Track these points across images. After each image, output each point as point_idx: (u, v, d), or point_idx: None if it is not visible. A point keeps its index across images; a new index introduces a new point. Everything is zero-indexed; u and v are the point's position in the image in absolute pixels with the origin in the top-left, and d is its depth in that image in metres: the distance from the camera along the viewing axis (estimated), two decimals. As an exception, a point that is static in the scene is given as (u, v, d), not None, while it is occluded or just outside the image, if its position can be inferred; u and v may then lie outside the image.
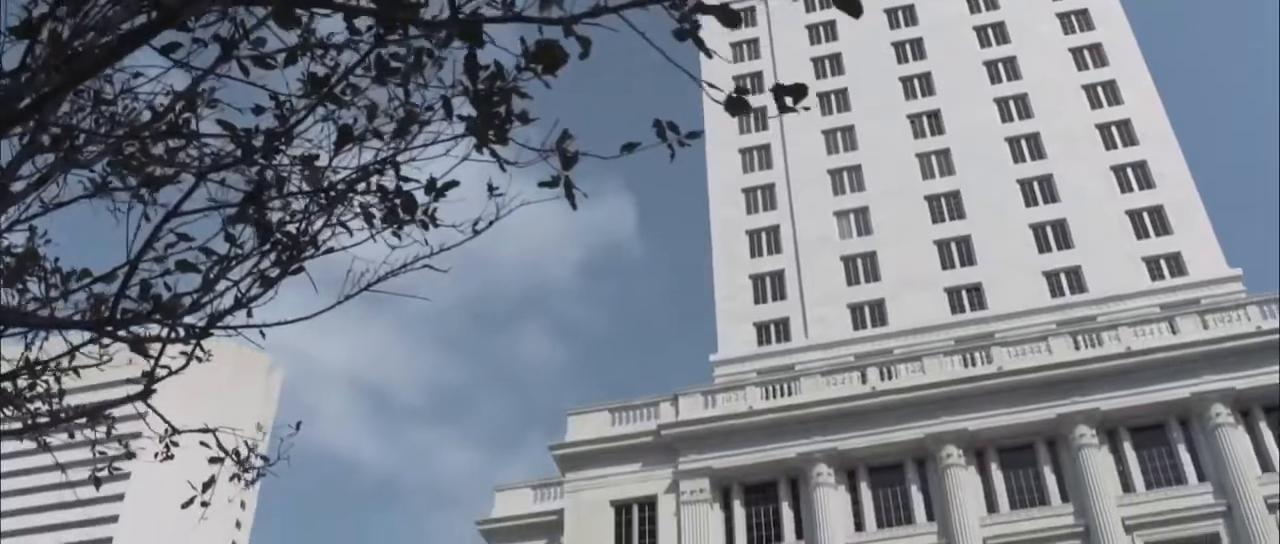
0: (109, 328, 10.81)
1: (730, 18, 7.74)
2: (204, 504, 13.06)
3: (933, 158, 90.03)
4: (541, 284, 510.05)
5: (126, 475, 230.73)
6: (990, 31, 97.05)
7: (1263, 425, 58.09)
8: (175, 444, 14.63)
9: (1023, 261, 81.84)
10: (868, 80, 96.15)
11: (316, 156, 11.14)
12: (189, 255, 11.40)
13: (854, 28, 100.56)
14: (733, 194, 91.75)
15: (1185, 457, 58.11)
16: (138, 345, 11.17)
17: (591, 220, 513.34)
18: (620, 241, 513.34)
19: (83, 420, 13.84)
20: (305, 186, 11.11)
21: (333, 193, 11.20)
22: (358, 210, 11.39)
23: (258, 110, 10.75)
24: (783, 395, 63.83)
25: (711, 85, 7.98)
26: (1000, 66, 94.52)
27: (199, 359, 12.96)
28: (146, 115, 11.50)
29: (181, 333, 11.23)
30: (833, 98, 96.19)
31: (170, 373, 12.16)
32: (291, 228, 11.32)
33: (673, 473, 62.75)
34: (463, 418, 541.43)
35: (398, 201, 11.02)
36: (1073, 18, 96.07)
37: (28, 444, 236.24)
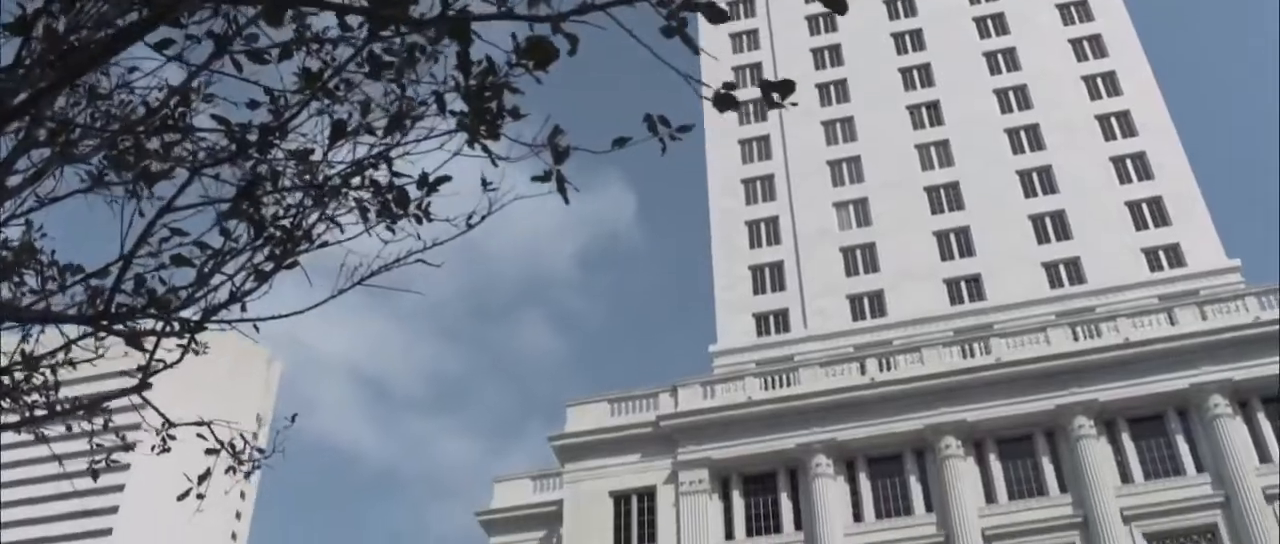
0: (104, 322, 10.85)
1: (716, 14, 7.78)
2: (199, 496, 13.11)
3: (932, 149, 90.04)
4: (540, 274, 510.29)
5: (126, 467, 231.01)
6: (990, 23, 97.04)
7: (1261, 416, 58.15)
8: (172, 437, 14.68)
9: (1022, 253, 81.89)
10: (867, 71, 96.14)
11: (311, 151, 11.18)
12: (184, 250, 11.44)
13: (854, 19, 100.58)
14: (732, 185, 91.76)
15: (1183, 447, 58.17)
16: (133, 339, 11.22)
17: (591, 211, 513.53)
18: (619, 232, 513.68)
19: (80, 413, 13.88)
20: (300, 181, 11.15)
21: (327, 187, 11.25)
22: (352, 205, 11.44)
23: (252, 105, 10.79)
24: (782, 386, 63.88)
25: (700, 82, 8.02)
26: (1000, 57, 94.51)
27: (196, 351, 12.99)
28: (142, 110, 11.53)
29: (176, 327, 11.27)
30: (832, 89, 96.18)
31: (165, 366, 12.20)
32: (285, 222, 11.36)
33: (672, 463, 62.82)
34: (462, 408, 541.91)
35: (391, 197, 11.07)
36: (1072, 9, 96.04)
37: (26, 436, 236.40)
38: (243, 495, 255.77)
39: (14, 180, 11.69)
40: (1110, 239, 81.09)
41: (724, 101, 8.06)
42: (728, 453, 62.11)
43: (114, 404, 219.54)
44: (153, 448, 14.94)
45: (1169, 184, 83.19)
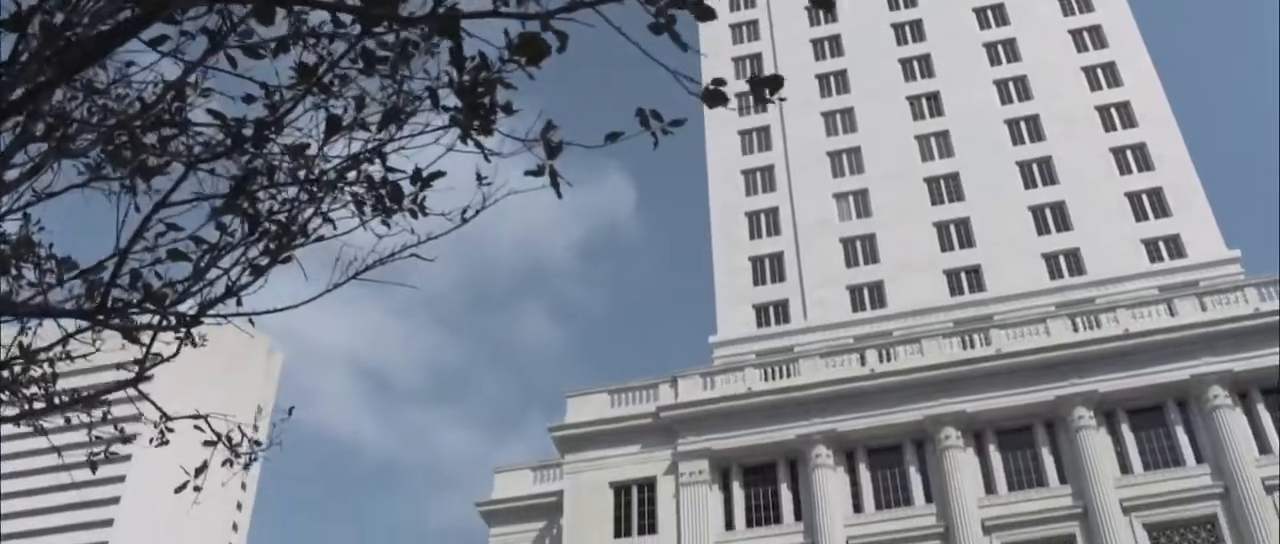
0: (101, 317, 10.90)
1: (704, 12, 7.82)
2: (196, 489, 13.16)
3: (932, 140, 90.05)
4: (540, 265, 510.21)
5: (127, 458, 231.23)
6: (990, 13, 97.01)
7: (1260, 407, 58.19)
8: (170, 429, 14.74)
9: (1022, 243, 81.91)
10: (867, 62, 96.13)
11: (307, 145, 11.22)
12: (180, 245, 11.48)
13: (854, 10, 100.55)
14: (732, 176, 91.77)
15: (1183, 438, 58.22)
16: (129, 334, 11.27)
17: (590, 201, 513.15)
18: (619, 223, 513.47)
19: (79, 406, 13.94)
20: (295, 175, 11.20)
21: (322, 182, 11.29)
22: (348, 199, 11.49)
23: (248, 100, 10.83)
24: (782, 377, 63.94)
25: (690, 78, 8.06)
26: (1000, 48, 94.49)
27: (193, 343, 13.04)
28: (138, 105, 11.57)
29: (173, 321, 11.32)
30: (832, 79, 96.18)
31: (162, 360, 12.26)
32: (281, 216, 11.41)
33: (672, 454, 62.90)
34: (462, 399, 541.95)
35: (384, 192, 11.12)
36: (1072, 0, 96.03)
37: (26, 428, 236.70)
38: (243, 486, 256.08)
39: (11, 175, 11.74)
40: (1110, 230, 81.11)
41: (714, 98, 8.10)
42: (728, 444, 62.18)
43: (113, 396, 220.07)
44: (150, 440, 14.98)
45: (1169, 175, 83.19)
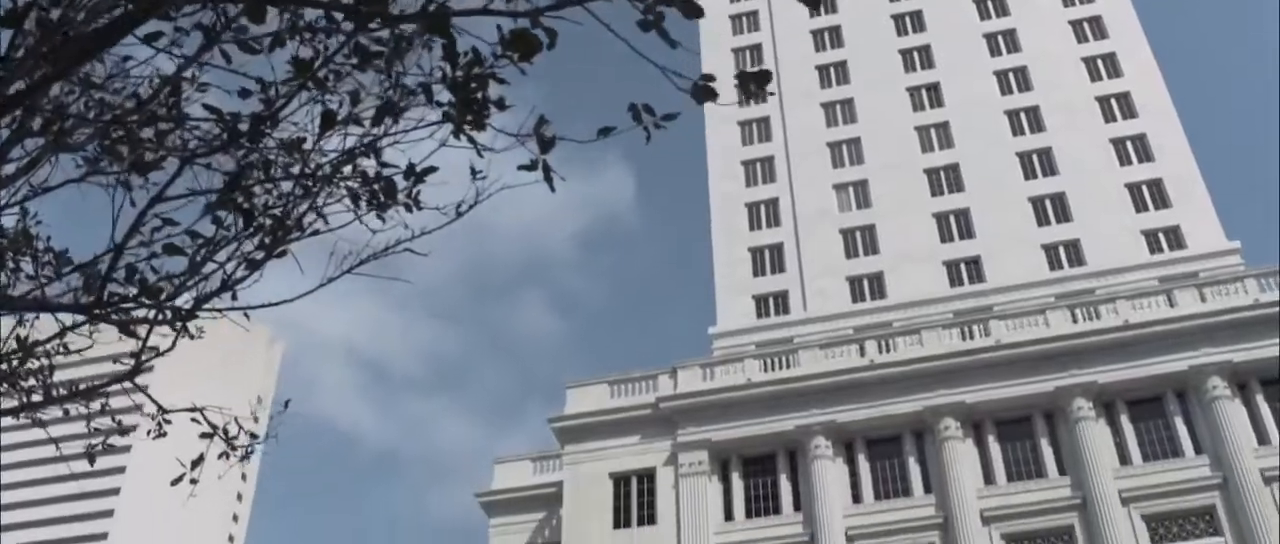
0: (97, 311, 10.95)
1: (691, 9, 7.85)
2: (192, 481, 13.22)
3: (932, 131, 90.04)
4: (540, 255, 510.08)
5: (127, 449, 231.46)
6: (990, 4, 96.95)
7: (1259, 398, 58.24)
8: (168, 421, 14.79)
9: (1021, 234, 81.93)
10: (867, 53, 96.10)
11: (303, 140, 11.26)
12: (175, 239, 11.53)
13: (855, 1, 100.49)
14: (732, 167, 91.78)
15: (1182, 429, 58.27)
16: (126, 328, 11.33)
17: (590, 192, 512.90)
18: (619, 213, 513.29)
19: (77, 399, 13.99)
20: (291, 170, 11.24)
21: (319, 174, 11.34)
22: (344, 193, 11.53)
23: (243, 94, 10.87)
24: (781, 368, 63.99)
25: (678, 73, 8.10)
26: (1000, 39, 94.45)
27: (191, 336, 13.09)
28: (135, 99, 11.61)
29: (168, 315, 11.37)
30: (832, 70, 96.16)
31: (159, 353, 12.31)
32: (276, 211, 11.46)
33: (671, 445, 62.97)
34: (462, 390, 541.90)
35: (378, 187, 11.16)
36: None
37: (24, 420, 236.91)
38: (243, 477, 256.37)
39: (8, 169, 11.78)
40: (1110, 221, 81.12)
41: (703, 93, 8.13)
42: (727, 435, 62.26)
43: (111, 388, 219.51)
44: (148, 432, 15.05)
45: (1169, 166, 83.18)
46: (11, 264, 12.78)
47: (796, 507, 60.55)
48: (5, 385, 13.65)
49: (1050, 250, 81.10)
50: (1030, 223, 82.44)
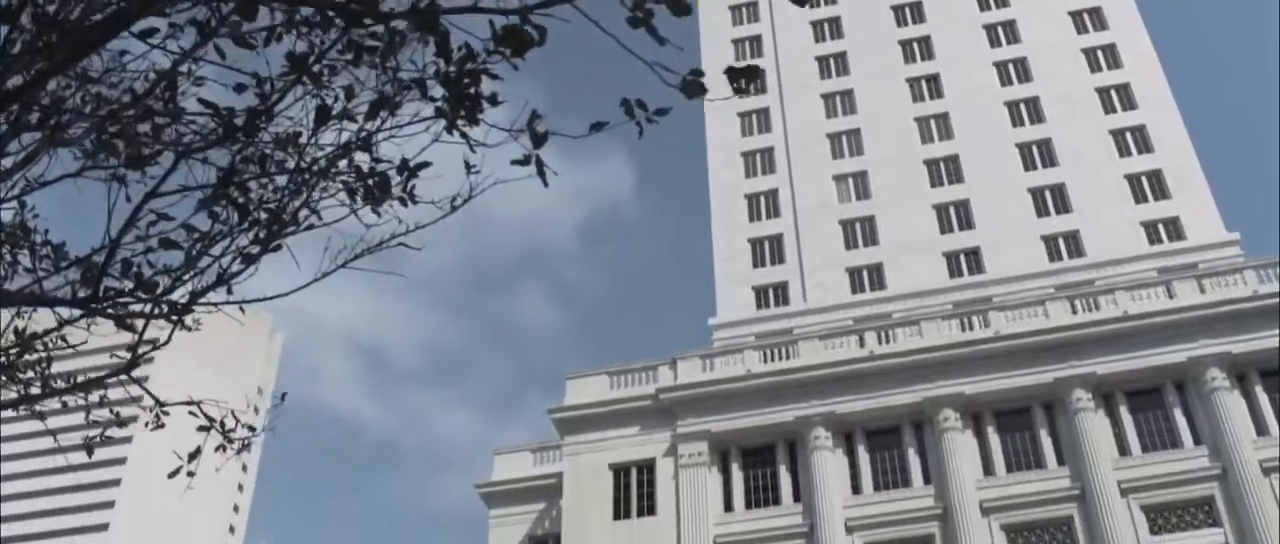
0: (94, 305, 11.01)
1: (679, 7, 7.89)
2: (190, 474, 13.28)
3: (932, 122, 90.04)
4: (540, 246, 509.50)
5: (127, 440, 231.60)
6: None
7: (1258, 389, 58.29)
8: (166, 413, 14.85)
9: (1021, 225, 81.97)
10: (867, 44, 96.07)
11: (298, 134, 11.31)
12: (171, 234, 11.58)
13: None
14: (732, 157, 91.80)
15: (1181, 420, 58.32)
16: (122, 322, 11.38)
17: (590, 183, 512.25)
18: (619, 204, 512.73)
19: (76, 391, 14.04)
20: (286, 164, 11.29)
21: (314, 168, 11.38)
22: (340, 187, 11.58)
23: (239, 89, 10.91)
24: (781, 359, 64.05)
25: (667, 69, 8.14)
26: (1000, 30, 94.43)
27: (187, 328, 13.13)
28: (131, 94, 11.66)
29: (164, 309, 11.42)
30: (832, 61, 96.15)
31: (155, 347, 12.36)
32: (271, 205, 11.50)
33: (671, 436, 63.04)
34: (461, 380, 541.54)
35: (372, 182, 11.21)
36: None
37: (23, 412, 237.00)
38: (244, 467, 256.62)
39: (5, 163, 11.82)
40: (1109, 212, 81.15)
41: (692, 88, 8.17)
42: (727, 426, 62.33)
43: (109, 381, 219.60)
44: (146, 424, 15.10)
45: (1169, 157, 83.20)
46: (9, 257, 12.83)
47: (796, 497, 60.63)
48: (4, 377, 13.71)
49: (1050, 241, 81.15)
50: (1030, 214, 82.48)
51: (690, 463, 61.57)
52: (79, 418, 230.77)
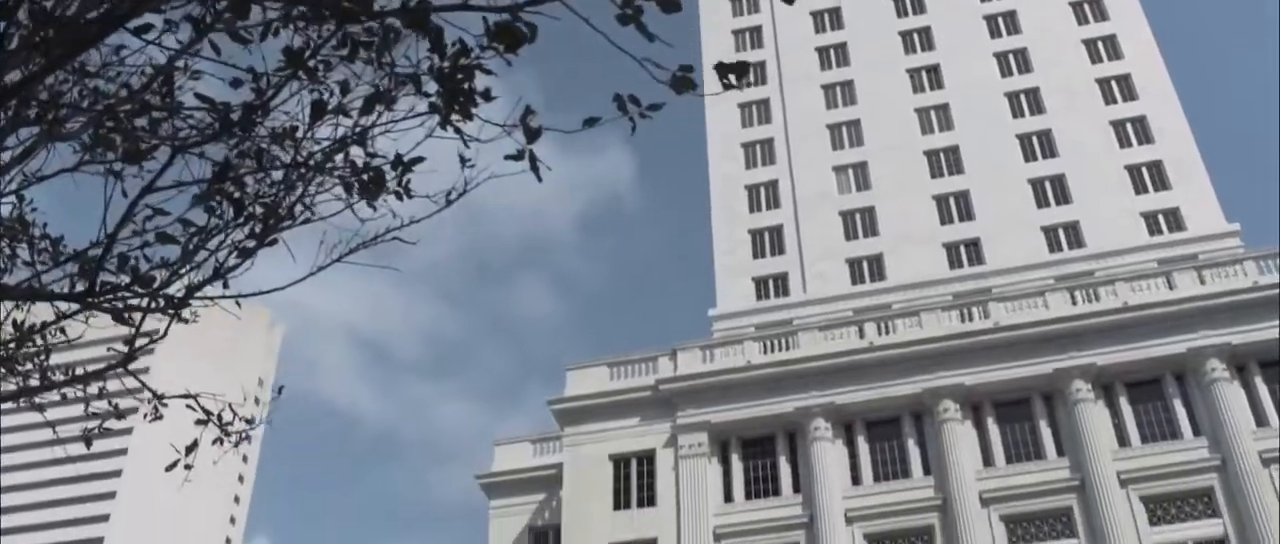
0: (91, 299, 11.06)
1: (668, 4, 7.92)
2: (187, 467, 13.33)
3: (932, 112, 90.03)
4: (540, 237, 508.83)
5: (128, 431, 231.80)
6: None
7: (1258, 380, 58.31)
8: (164, 405, 14.89)
9: (1021, 217, 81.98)
10: (867, 34, 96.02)
11: (295, 129, 11.36)
12: (167, 228, 11.62)
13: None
14: (732, 148, 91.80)
15: (1181, 411, 58.36)
16: (119, 316, 11.43)
17: (590, 173, 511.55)
18: (619, 195, 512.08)
19: (76, 384, 14.09)
20: (282, 159, 11.33)
21: (310, 163, 11.43)
22: (336, 182, 11.63)
23: (235, 84, 10.95)
24: (781, 350, 64.09)
25: (657, 65, 8.17)
26: (1000, 20, 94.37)
27: (185, 321, 13.17)
28: (128, 88, 11.70)
29: (161, 303, 11.47)
30: (832, 52, 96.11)
31: (152, 340, 12.42)
32: (267, 200, 11.55)
33: (671, 427, 63.10)
34: (462, 371, 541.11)
35: (367, 177, 11.25)
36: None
37: (22, 404, 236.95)
38: (245, 459, 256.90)
39: (3, 157, 11.87)
40: (1110, 203, 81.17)
41: (682, 84, 8.21)
42: (727, 416, 62.38)
43: (108, 373, 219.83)
44: (144, 415, 15.16)
45: (1169, 148, 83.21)
46: (8, 251, 12.88)
47: (796, 488, 60.69)
48: (3, 370, 13.77)
49: (1050, 232, 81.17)
50: (1030, 205, 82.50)
51: (690, 454, 61.64)
52: (78, 410, 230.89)
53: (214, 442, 13.79)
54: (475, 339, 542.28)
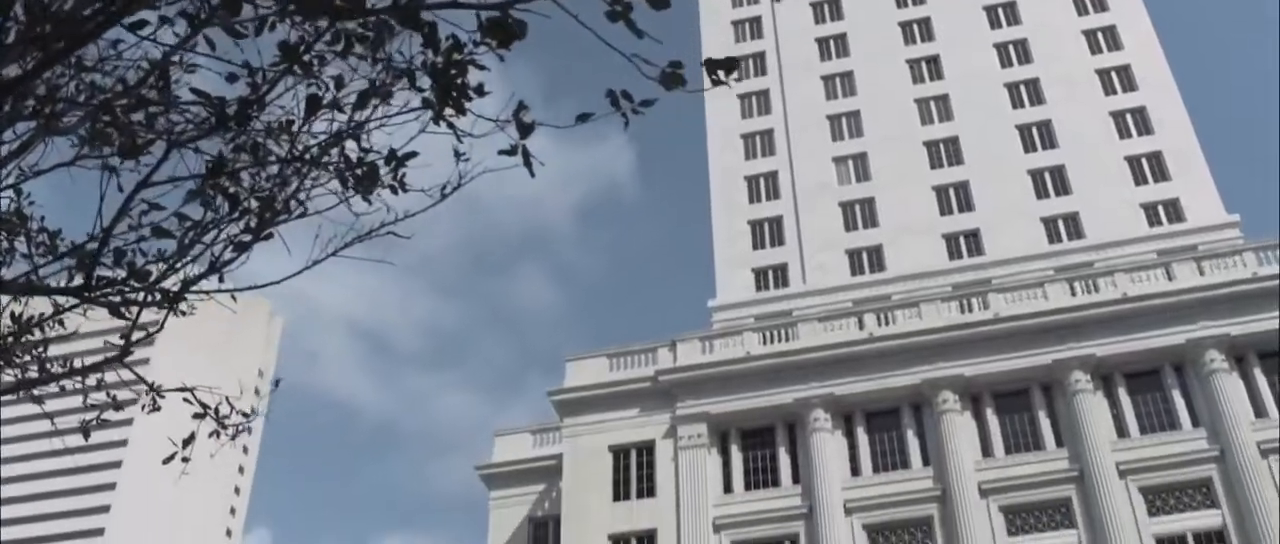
0: (87, 293, 11.11)
1: (658, 0, 7.96)
2: (184, 460, 13.39)
3: (932, 103, 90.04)
4: (539, 228, 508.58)
5: (128, 423, 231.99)
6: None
7: (1257, 371, 58.35)
8: (161, 397, 14.98)
9: (1021, 207, 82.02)
10: (867, 25, 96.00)
11: (291, 123, 11.41)
12: (163, 222, 11.68)
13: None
14: (731, 139, 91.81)
15: (1180, 402, 58.41)
16: (115, 310, 11.48)
17: (589, 164, 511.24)
18: (619, 185, 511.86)
19: (74, 376, 14.15)
20: (277, 154, 11.38)
21: (305, 157, 11.48)
22: (332, 176, 11.68)
23: (231, 78, 11.00)
24: (780, 341, 64.13)
25: (645, 61, 8.22)
26: (1000, 11, 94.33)
27: (181, 313, 13.22)
28: (124, 83, 11.75)
29: (157, 297, 11.53)
30: (832, 43, 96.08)
31: (149, 334, 12.47)
32: (263, 193, 11.60)
33: (670, 418, 63.17)
34: (461, 363, 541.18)
35: (362, 170, 11.30)
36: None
37: (20, 396, 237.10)
38: (245, 450, 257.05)
39: (1, 151, 11.92)
40: (1109, 194, 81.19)
41: (670, 79, 8.25)
42: (726, 407, 62.44)
43: (106, 366, 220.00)
44: (143, 407, 15.24)
45: (1169, 139, 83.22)
46: (6, 244, 12.93)
47: (795, 479, 60.77)
48: (2, 362, 13.82)
49: (1049, 223, 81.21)
50: (1029, 196, 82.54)
51: (690, 444, 61.72)
52: (77, 402, 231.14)
53: (211, 435, 13.85)
54: (475, 330, 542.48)
